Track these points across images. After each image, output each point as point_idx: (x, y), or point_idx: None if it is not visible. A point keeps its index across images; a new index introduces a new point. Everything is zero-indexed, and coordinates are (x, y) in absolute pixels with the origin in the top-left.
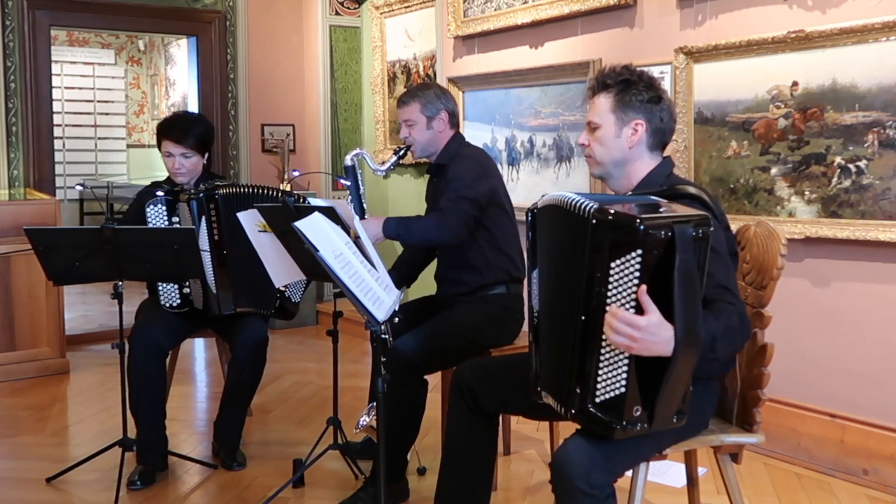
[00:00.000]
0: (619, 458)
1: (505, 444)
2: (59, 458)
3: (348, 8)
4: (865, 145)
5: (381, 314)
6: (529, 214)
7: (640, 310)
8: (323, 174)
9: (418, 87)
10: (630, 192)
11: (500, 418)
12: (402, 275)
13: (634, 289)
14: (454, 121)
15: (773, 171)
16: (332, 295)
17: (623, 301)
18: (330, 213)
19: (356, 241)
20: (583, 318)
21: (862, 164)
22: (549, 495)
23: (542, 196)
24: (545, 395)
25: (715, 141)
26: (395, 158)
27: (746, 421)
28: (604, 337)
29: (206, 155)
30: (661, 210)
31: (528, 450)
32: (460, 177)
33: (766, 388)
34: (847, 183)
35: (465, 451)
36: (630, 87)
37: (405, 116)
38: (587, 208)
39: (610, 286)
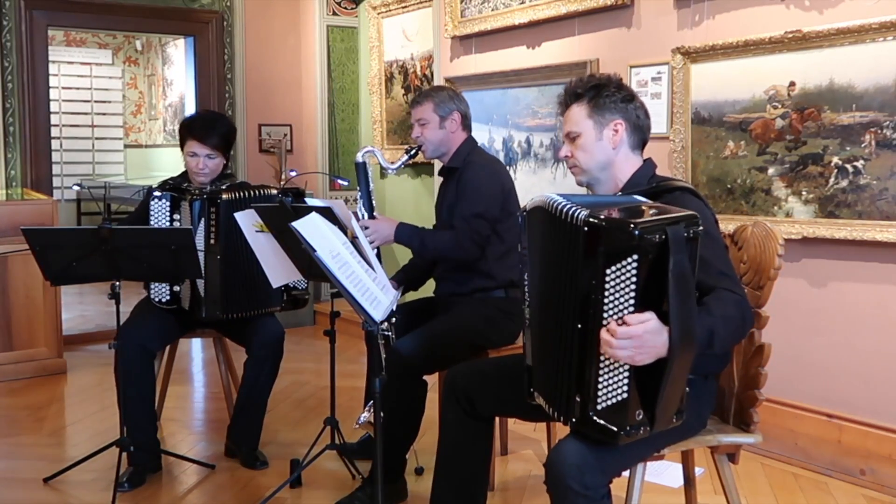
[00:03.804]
0: (614, 459)
1: (502, 444)
2: (56, 459)
3: (345, 8)
4: (862, 145)
5: (378, 314)
6: (520, 217)
7: (639, 309)
8: (320, 174)
9: (432, 88)
10: (618, 193)
11: (497, 420)
12: (410, 278)
13: (632, 294)
14: (466, 123)
15: (771, 171)
16: (329, 295)
17: (621, 307)
18: (327, 213)
19: (353, 241)
20: (579, 326)
21: (859, 164)
22: (546, 495)
23: (532, 199)
24: (538, 395)
25: (712, 141)
26: (406, 157)
27: (743, 421)
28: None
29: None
30: (650, 212)
31: (526, 450)
32: (475, 189)
33: (764, 388)
34: (844, 183)
35: (461, 455)
36: (602, 91)
37: (418, 115)
38: (577, 215)
39: (606, 293)
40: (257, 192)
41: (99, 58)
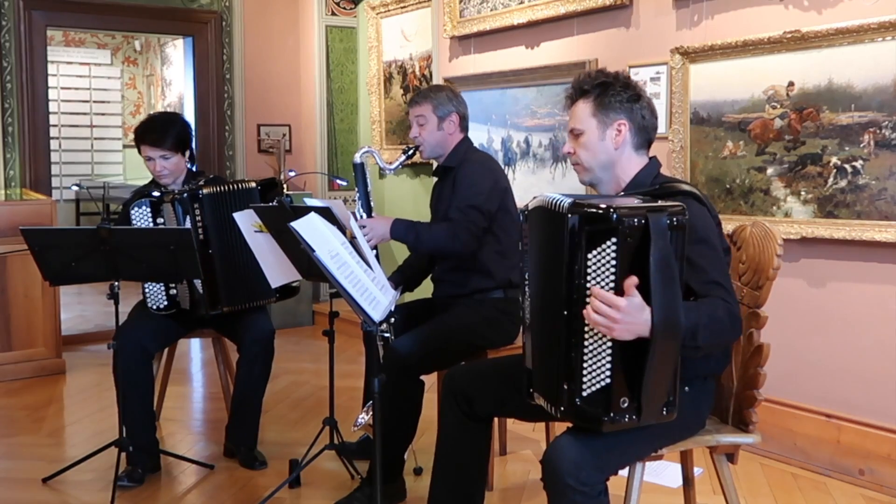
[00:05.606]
0: (611, 456)
1: (501, 445)
2: (55, 459)
3: (344, 8)
4: (861, 145)
5: (377, 314)
6: (521, 217)
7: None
8: (319, 174)
9: (431, 89)
10: (620, 194)
11: (495, 420)
12: (407, 278)
13: (612, 278)
14: (464, 124)
15: (769, 171)
16: (328, 295)
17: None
18: (326, 213)
19: (352, 241)
20: (565, 312)
21: (858, 164)
22: (545, 495)
23: (533, 198)
24: (537, 396)
25: (711, 141)
26: (403, 157)
27: (742, 421)
28: (586, 328)
29: (188, 154)
30: (637, 202)
31: (524, 450)
32: (471, 184)
33: (762, 388)
34: (843, 183)
35: (459, 455)
36: (608, 89)
37: (417, 114)
38: (563, 204)
39: (588, 277)
40: (236, 185)
41: (98, 58)
